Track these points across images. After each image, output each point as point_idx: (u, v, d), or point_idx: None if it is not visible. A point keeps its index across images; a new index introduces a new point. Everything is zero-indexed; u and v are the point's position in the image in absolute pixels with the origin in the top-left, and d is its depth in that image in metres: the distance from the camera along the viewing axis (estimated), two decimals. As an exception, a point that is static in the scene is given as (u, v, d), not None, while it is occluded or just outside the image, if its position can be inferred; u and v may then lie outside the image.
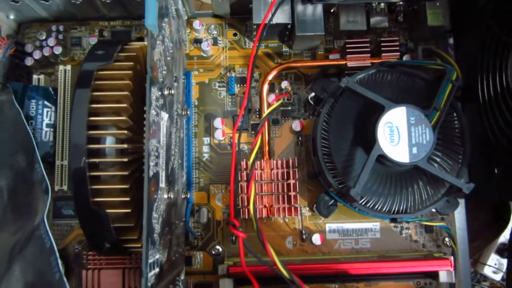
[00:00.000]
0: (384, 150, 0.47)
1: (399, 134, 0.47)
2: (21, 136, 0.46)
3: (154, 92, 0.40)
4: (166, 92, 0.45)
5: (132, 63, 0.42)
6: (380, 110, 0.48)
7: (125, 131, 0.40)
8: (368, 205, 0.50)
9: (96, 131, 0.40)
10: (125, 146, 0.40)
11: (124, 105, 0.40)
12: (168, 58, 0.48)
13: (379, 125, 0.48)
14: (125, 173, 0.40)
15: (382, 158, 0.48)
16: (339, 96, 0.51)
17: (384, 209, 0.50)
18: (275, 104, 0.57)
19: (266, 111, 0.56)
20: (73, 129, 0.38)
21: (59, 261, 0.35)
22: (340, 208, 0.56)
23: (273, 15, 0.53)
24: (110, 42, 0.48)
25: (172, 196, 0.44)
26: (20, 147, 0.45)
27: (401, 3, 0.60)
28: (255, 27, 0.58)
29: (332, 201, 0.54)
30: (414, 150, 0.47)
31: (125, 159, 0.40)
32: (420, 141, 0.47)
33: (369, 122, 0.49)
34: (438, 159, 0.51)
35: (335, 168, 0.51)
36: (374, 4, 0.59)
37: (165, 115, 0.45)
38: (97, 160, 0.40)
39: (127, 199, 0.40)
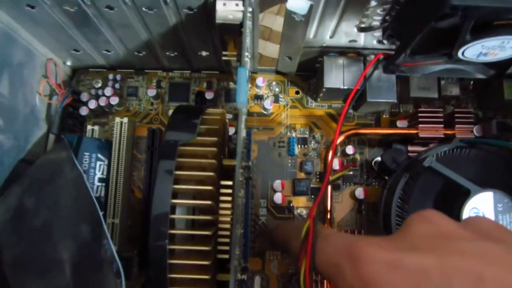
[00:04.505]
0: (471, 239, 0.44)
1: (486, 221, 0.44)
2: (85, 203, 0.43)
3: (241, 174, 0.37)
4: (244, 164, 0.43)
5: (215, 138, 0.39)
6: (464, 193, 0.45)
7: (209, 217, 0.37)
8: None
9: (177, 215, 0.37)
10: (209, 233, 0.37)
11: (210, 187, 0.37)
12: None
13: (465, 211, 0.45)
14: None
15: (468, 247, 0.44)
16: (419, 174, 0.48)
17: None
18: (340, 173, 0.55)
19: (330, 179, 0.53)
20: (155, 212, 0.35)
21: None
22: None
23: (366, 81, 0.51)
24: (190, 110, 0.46)
25: (246, 278, 0.41)
26: (84, 217, 0.42)
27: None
28: (324, 90, 0.55)
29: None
30: (503, 240, 0.44)
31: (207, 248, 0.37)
32: (510, 231, 0.44)
33: (453, 206, 0.46)
34: (520, 246, 0.47)
35: (410, 250, 0.48)
36: (445, 72, 0.57)
37: (241, 191, 0.42)
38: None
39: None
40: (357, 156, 0.58)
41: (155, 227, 0.35)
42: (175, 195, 0.37)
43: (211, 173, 0.37)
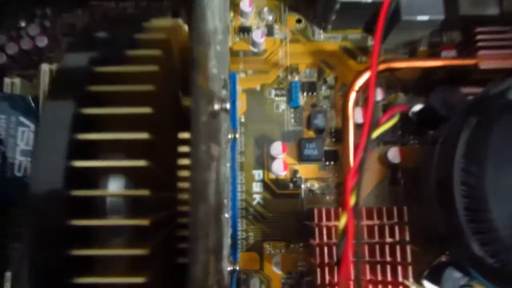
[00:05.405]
0: None
1: None
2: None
3: (207, 116, 0.20)
4: (216, 107, 0.26)
5: (158, 51, 0.22)
6: None
7: (145, 191, 0.20)
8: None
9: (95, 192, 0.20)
10: (145, 223, 0.20)
11: (144, 136, 0.20)
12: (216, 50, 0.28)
13: None
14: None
15: None
16: (496, 116, 0.31)
17: None
18: (389, 124, 0.38)
19: (374, 134, 0.36)
20: (35, 188, 0.19)
21: None
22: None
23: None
24: (119, 19, 0.29)
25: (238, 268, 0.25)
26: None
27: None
28: (337, 8, 0.38)
29: (466, 279, 0.34)
30: None
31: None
32: None
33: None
34: None
35: (486, 231, 0.31)
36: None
37: (215, 149, 0.25)
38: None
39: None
40: (399, 95, 0.41)
41: (39, 220, 0.18)
42: (94, 151, 0.20)
43: (147, 109, 0.20)
